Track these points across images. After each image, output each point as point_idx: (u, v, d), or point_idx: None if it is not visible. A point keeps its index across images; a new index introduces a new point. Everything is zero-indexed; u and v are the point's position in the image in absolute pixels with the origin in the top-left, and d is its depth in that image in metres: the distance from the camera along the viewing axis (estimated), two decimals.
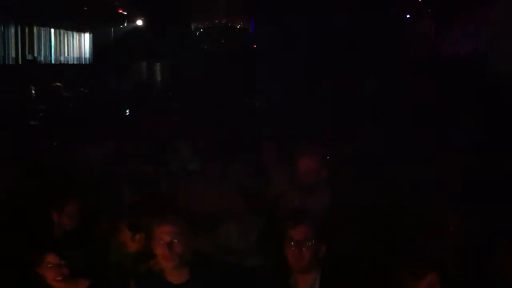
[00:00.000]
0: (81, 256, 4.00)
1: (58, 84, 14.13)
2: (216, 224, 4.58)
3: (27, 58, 16.83)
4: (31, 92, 13.86)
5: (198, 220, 3.99)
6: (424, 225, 4.53)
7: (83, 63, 19.53)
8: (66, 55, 18.84)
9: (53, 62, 18.13)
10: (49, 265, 3.80)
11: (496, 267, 4.10)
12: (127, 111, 11.81)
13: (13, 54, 16.36)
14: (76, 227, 4.58)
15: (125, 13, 18.63)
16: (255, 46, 19.09)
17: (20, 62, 16.50)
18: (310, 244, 3.73)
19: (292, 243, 3.74)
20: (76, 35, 19.25)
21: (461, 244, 4.38)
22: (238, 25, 18.79)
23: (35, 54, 17.25)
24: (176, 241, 3.70)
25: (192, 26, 16.50)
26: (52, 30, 18.02)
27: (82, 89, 14.74)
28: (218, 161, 6.25)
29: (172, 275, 3.76)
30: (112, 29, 19.20)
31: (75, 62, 19.21)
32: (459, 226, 4.49)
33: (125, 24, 18.89)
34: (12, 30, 16.23)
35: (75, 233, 4.52)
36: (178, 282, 3.76)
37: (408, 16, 17.05)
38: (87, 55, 19.77)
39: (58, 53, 18.38)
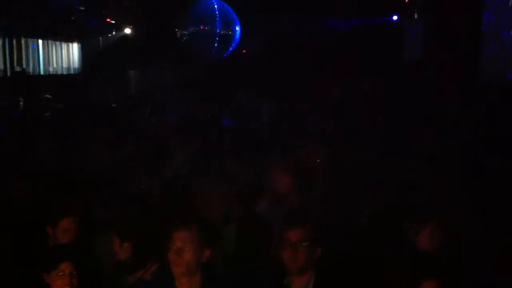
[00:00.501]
0: (90, 266, 3.96)
1: (48, 96, 14.06)
2: (218, 228, 4.56)
3: (15, 69, 16.75)
4: (20, 104, 13.79)
5: (204, 226, 3.94)
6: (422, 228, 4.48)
7: (72, 73, 19.44)
8: (55, 65, 18.75)
9: (42, 73, 18.06)
10: (60, 273, 3.77)
11: (496, 267, 4.09)
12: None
13: (1, 65, 16.28)
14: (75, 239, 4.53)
15: (113, 22, 18.56)
16: (244, 51, 19.03)
17: (8, 74, 16.42)
18: (305, 246, 3.76)
19: (288, 245, 3.77)
20: (64, 45, 19.17)
21: (459, 246, 4.36)
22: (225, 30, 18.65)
23: (24, 66, 17.17)
24: (187, 248, 3.67)
25: (178, 33, 16.41)
26: (40, 41, 17.94)
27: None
28: (217, 164, 6.25)
29: (182, 283, 3.73)
30: (100, 38, 19.14)
31: (64, 73, 19.12)
32: (457, 227, 4.47)
33: (113, 33, 18.81)
34: (0, 42, 16.16)
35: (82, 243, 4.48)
36: None
37: (395, 17, 17.02)
38: (76, 65, 19.69)
39: (46, 63, 18.30)
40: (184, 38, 15.77)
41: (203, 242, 3.73)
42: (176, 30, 15.86)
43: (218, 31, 15.16)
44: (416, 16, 14.97)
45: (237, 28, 14.76)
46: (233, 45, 15.77)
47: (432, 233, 4.28)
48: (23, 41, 17.13)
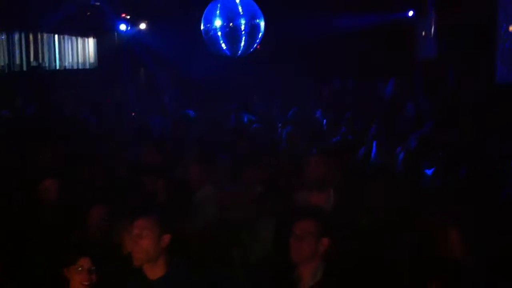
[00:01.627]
0: (109, 263, 4.05)
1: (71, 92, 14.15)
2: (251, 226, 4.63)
3: (31, 64, 16.84)
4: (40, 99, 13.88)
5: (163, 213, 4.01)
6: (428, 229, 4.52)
7: (88, 68, 19.52)
8: (70, 60, 18.84)
9: (57, 68, 18.15)
10: (79, 269, 3.84)
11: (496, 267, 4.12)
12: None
13: (17, 60, 16.37)
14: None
15: (128, 17, 18.59)
16: (258, 47, 18.94)
17: (24, 69, 16.51)
18: (309, 238, 3.97)
19: (294, 237, 4.00)
20: (80, 40, 19.25)
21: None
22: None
23: (40, 61, 17.26)
24: (144, 234, 3.76)
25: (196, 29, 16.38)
26: (56, 36, 18.02)
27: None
28: (230, 165, 6.28)
29: (147, 270, 3.83)
30: (116, 33, 19.17)
31: (80, 68, 19.20)
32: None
33: (129, 28, 18.83)
34: (16, 37, 16.24)
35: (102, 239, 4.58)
36: (153, 278, 3.83)
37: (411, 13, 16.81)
38: (92, 60, 19.76)
39: (62, 59, 18.39)
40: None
41: (162, 229, 3.79)
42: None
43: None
44: (430, 13, 14.77)
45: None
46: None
47: (456, 238, 4.33)
48: (39, 36, 17.22)
